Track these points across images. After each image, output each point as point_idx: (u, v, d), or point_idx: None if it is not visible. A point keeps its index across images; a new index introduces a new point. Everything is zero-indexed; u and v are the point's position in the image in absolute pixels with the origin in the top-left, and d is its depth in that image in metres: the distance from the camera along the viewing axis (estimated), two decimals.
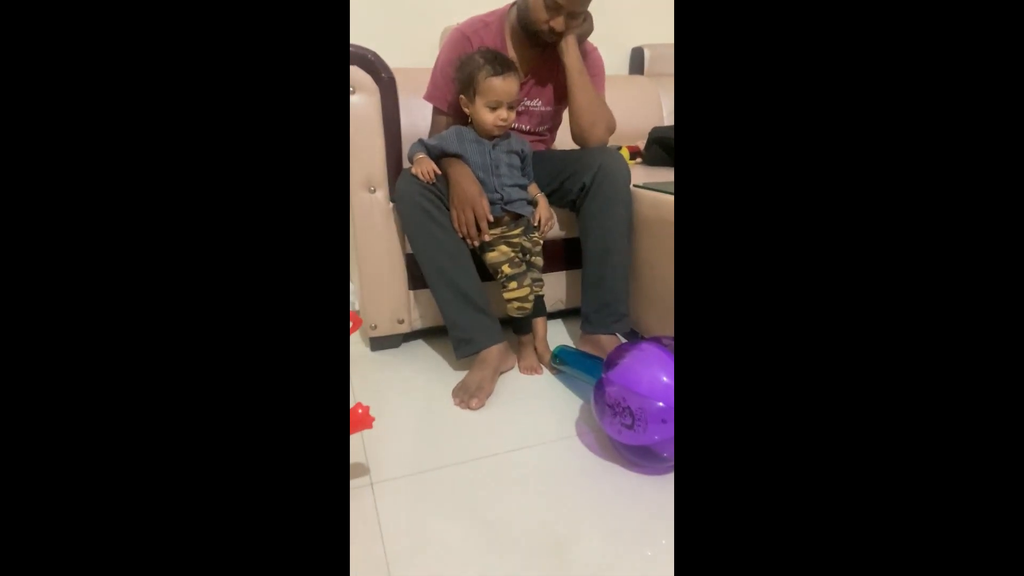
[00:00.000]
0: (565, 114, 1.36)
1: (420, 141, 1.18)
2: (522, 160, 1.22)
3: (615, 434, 0.85)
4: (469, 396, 1.07)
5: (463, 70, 1.13)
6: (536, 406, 1.08)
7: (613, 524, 0.77)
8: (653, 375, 0.81)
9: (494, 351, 1.16)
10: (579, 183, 1.19)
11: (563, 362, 1.16)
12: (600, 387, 0.87)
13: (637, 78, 2.16)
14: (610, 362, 0.88)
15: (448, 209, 1.15)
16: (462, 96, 1.15)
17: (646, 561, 0.71)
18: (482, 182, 1.15)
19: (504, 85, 1.10)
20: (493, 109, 1.11)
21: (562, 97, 1.30)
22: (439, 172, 1.13)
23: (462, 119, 1.24)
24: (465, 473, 0.88)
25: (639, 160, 1.80)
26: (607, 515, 0.79)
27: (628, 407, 0.82)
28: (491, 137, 1.17)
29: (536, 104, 1.31)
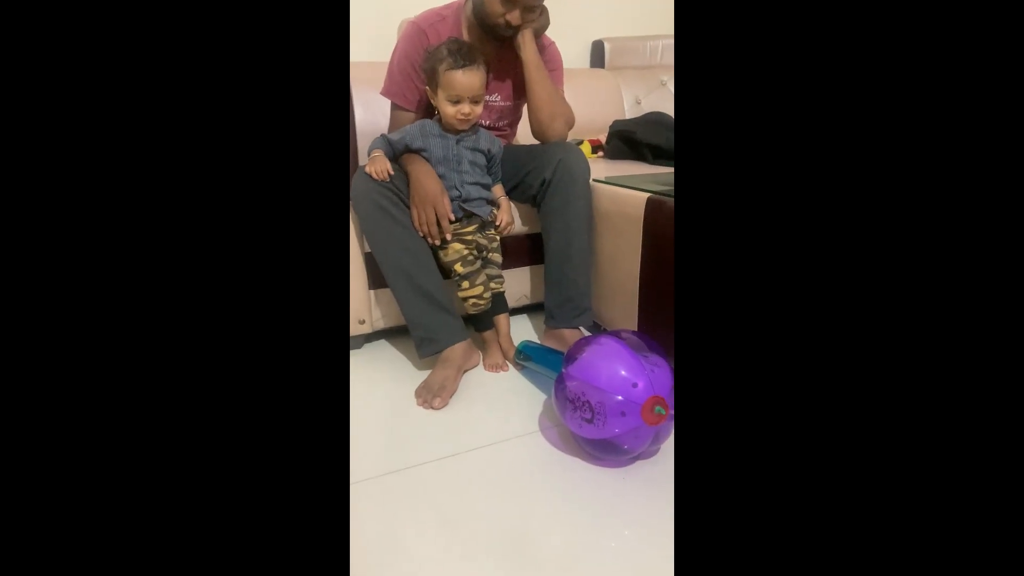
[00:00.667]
0: (525, 109, 1.35)
1: (383, 137, 1.16)
2: (488, 159, 1.20)
3: (576, 428, 0.86)
4: (432, 396, 1.07)
5: (428, 61, 1.11)
6: (499, 403, 1.08)
7: (576, 518, 0.78)
8: (612, 369, 0.82)
9: (457, 349, 1.15)
10: (539, 178, 1.19)
11: (527, 358, 1.16)
12: (560, 382, 0.88)
13: (598, 71, 2.17)
14: (570, 357, 0.89)
15: (407, 207, 1.13)
16: (427, 88, 1.14)
17: (610, 553, 0.72)
18: (443, 177, 1.13)
19: (465, 79, 1.07)
20: (454, 103, 1.09)
21: (521, 92, 1.30)
22: (392, 172, 1.11)
23: (422, 113, 1.22)
24: (429, 473, 0.87)
25: (600, 154, 1.81)
26: (570, 509, 0.80)
27: (588, 401, 0.82)
28: (456, 132, 1.14)
29: (495, 99, 1.30)
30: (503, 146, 1.38)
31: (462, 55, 1.07)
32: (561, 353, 0.98)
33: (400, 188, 1.12)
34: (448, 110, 1.10)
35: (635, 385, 0.80)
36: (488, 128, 1.35)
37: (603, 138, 1.81)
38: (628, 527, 0.76)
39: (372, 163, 1.11)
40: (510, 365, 1.22)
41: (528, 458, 0.91)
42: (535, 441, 0.95)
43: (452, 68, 1.07)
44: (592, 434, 0.83)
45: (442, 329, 1.15)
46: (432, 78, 1.10)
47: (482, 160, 1.19)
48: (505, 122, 1.37)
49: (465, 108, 1.10)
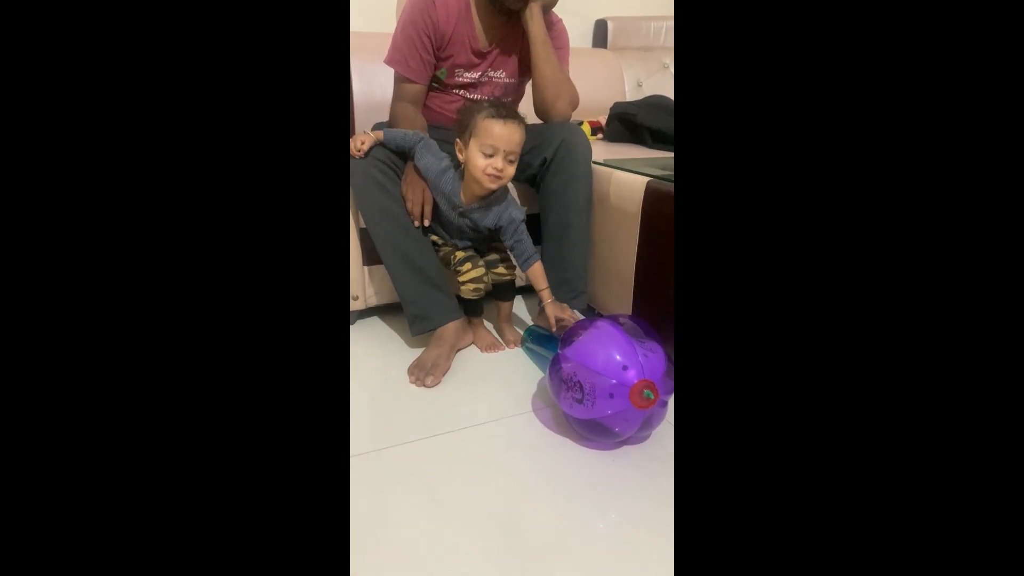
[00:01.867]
0: (528, 88, 1.33)
1: (388, 130, 1.12)
2: (497, 230, 1.11)
3: (567, 408, 0.86)
4: (424, 374, 1.06)
5: (465, 113, 1.04)
6: (493, 383, 1.08)
7: (565, 498, 0.79)
8: (606, 352, 0.82)
9: (451, 328, 1.15)
10: (540, 157, 1.18)
11: (534, 342, 1.16)
12: (556, 363, 0.88)
13: (600, 51, 2.14)
14: (566, 339, 0.89)
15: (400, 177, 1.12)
16: (458, 140, 1.05)
17: (598, 534, 0.72)
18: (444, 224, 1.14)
19: (505, 131, 0.98)
20: (488, 155, 0.99)
21: (526, 70, 1.27)
22: (362, 153, 1.07)
23: (426, 86, 1.20)
24: (420, 451, 0.87)
25: (600, 136, 1.79)
26: (559, 490, 0.80)
27: (579, 382, 0.82)
28: (475, 197, 1.06)
29: (499, 75, 1.28)
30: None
31: (505, 108, 1.01)
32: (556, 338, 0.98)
33: (397, 163, 1.10)
34: (479, 163, 0.99)
35: (626, 368, 0.80)
36: None
37: (603, 120, 1.79)
38: (616, 510, 0.77)
39: (358, 138, 1.08)
40: (504, 345, 1.21)
41: (521, 438, 0.91)
42: (527, 421, 0.96)
43: (492, 117, 0.98)
44: (582, 414, 0.84)
45: (436, 307, 1.14)
46: (465, 128, 1.02)
47: (487, 233, 1.14)
48: (508, 100, 1.35)
49: (498, 163, 0.99)
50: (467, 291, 1.15)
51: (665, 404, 0.87)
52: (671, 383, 0.85)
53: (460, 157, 1.04)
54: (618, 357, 0.81)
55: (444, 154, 1.09)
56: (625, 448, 0.89)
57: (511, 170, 1.02)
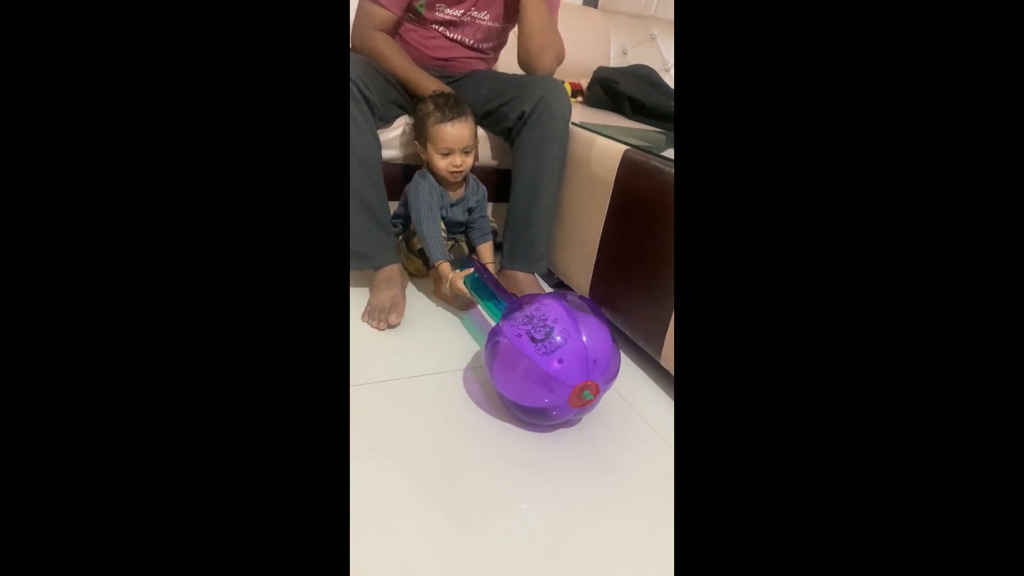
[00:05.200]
0: (512, 37, 1.27)
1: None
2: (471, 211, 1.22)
3: (501, 387, 0.83)
4: (385, 314, 1.03)
5: (416, 115, 1.12)
6: (443, 335, 1.06)
7: (505, 454, 0.79)
8: (530, 390, 0.78)
9: (396, 269, 1.11)
10: (518, 110, 1.13)
11: (474, 290, 1.10)
12: (493, 336, 0.83)
13: (590, 11, 2.07)
14: (508, 314, 0.84)
15: (374, 111, 1.06)
16: (416, 142, 1.14)
17: (534, 490, 0.73)
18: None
19: (455, 131, 1.07)
20: (445, 155, 1.09)
21: (512, 15, 1.21)
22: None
23: (401, 16, 1.13)
24: (365, 397, 0.85)
25: (580, 99, 1.75)
26: (500, 445, 0.80)
27: (544, 326, 0.78)
28: (453, 185, 1.16)
29: (483, 17, 1.21)
30: (482, 71, 1.30)
31: (449, 107, 1.07)
32: (503, 303, 0.94)
33: (370, 88, 1.04)
34: (440, 164, 1.10)
35: (551, 391, 0.76)
36: (470, 48, 1.26)
37: (584, 83, 1.75)
38: (552, 464, 0.78)
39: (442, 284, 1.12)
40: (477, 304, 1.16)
41: (464, 392, 0.91)
42: (476, 376, 0.95)
43: (441, 122, 1.07)
44: (532, 353, 0.78)
45: (379, 247, 1.10)
46: (420, 132, 1.11)
47: (467, 215, 1.22)
48: (489, 45, 1.28)
49: (457, 160, 1.10)
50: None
51: (609, 343, 0.82)
52: (617, 361, 0.83)
53: (423, 157, 1.14)
54: (559, 339, 0.77)
55: (418, 178, 1.14)
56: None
57: (469, 159, 1.13)
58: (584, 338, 0.78)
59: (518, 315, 0.81)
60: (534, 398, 0.79)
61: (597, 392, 0.79)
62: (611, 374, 0.83)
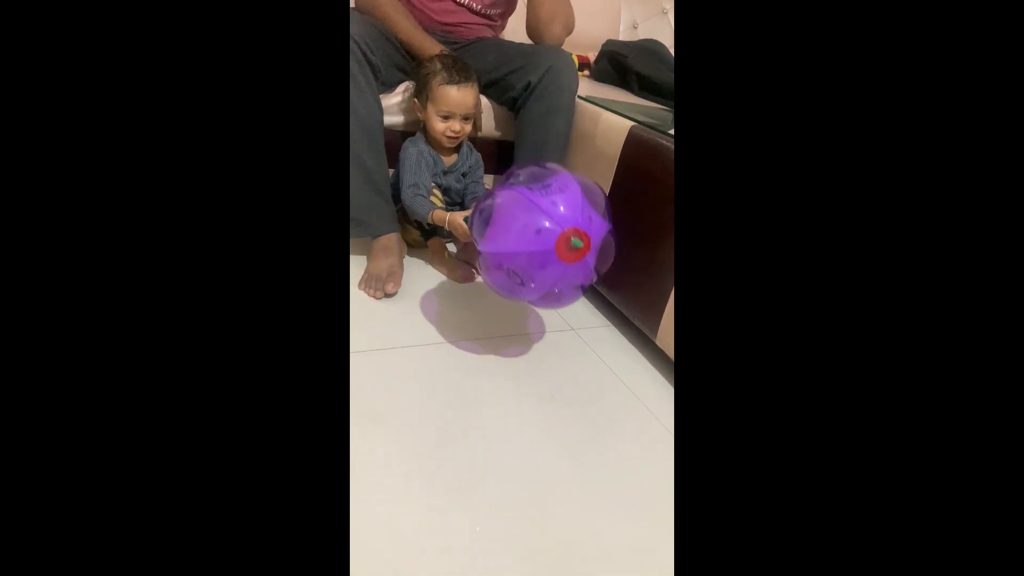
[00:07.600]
0: (520, 5, 1.23)
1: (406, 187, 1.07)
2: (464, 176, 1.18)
3: (518, 295, 0.82)
4: (382, 283, 1.02)
5: (420, 72, 1.07)
6: (439, 306, 1.06)
7: (498, 425, 0.79)
8: (513, 226, 0.77)
9: (394, 239, 1.10)
10: (524, 80, 1.11)
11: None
12: (482, 262, 0.84)
13: None
14: (474, 222, 0.82)
15: (376, 74, 1.03)
16: (415, 100, 1.10)
17: (525, 462, 0.74)
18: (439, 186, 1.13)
19: (459, 95, 1.04)
20: (444, 119, 1.06)
21: None
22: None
23: None
24: (361, 364, 0.85)
25: (587, 73, 1.71)
26: (492, 416, 0.81)
27: (512, 269, 0.79)
28: (448, 151, 1.12)
29: None
30: (489, 38, 1.27)
31: (457, 70, 1.04)
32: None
33: (372, 49, 1.01)
34: (438, 126, 1.07)
35: (538, 232, 0.75)
36: (477, 14, 1.22)
37: (592, 56, 1.71)
38: (538, 436, 0.78)
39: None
40: (476, 276, 1.16)
41: (457, 362, 0.91)
42: (472, 346, 0.95)
43: (447, 83, 1.03)
44: (532, 295, 0.80)
45: (378, 215, 1.09)
46: (423, 90, 1.07)
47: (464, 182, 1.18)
48: (497, 11, 1.25)
49: (456, 125, 1.07)
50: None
51: (607, 228, 0.81)
52: (599, 210, 0.80)
53: (420, 116, 1.11)
54: (526, 223, 0.76)
55: (408, 145, 1.10)
56: (562, 387, 0.90)
57: (468, 127, 1.10)
58: (584, 200, 0.77)
59: (521, 173, 0.81)
60: (522, 237, 0.76)
61: (586, 249, 0.76)
62: (604, 253, 0.81)
